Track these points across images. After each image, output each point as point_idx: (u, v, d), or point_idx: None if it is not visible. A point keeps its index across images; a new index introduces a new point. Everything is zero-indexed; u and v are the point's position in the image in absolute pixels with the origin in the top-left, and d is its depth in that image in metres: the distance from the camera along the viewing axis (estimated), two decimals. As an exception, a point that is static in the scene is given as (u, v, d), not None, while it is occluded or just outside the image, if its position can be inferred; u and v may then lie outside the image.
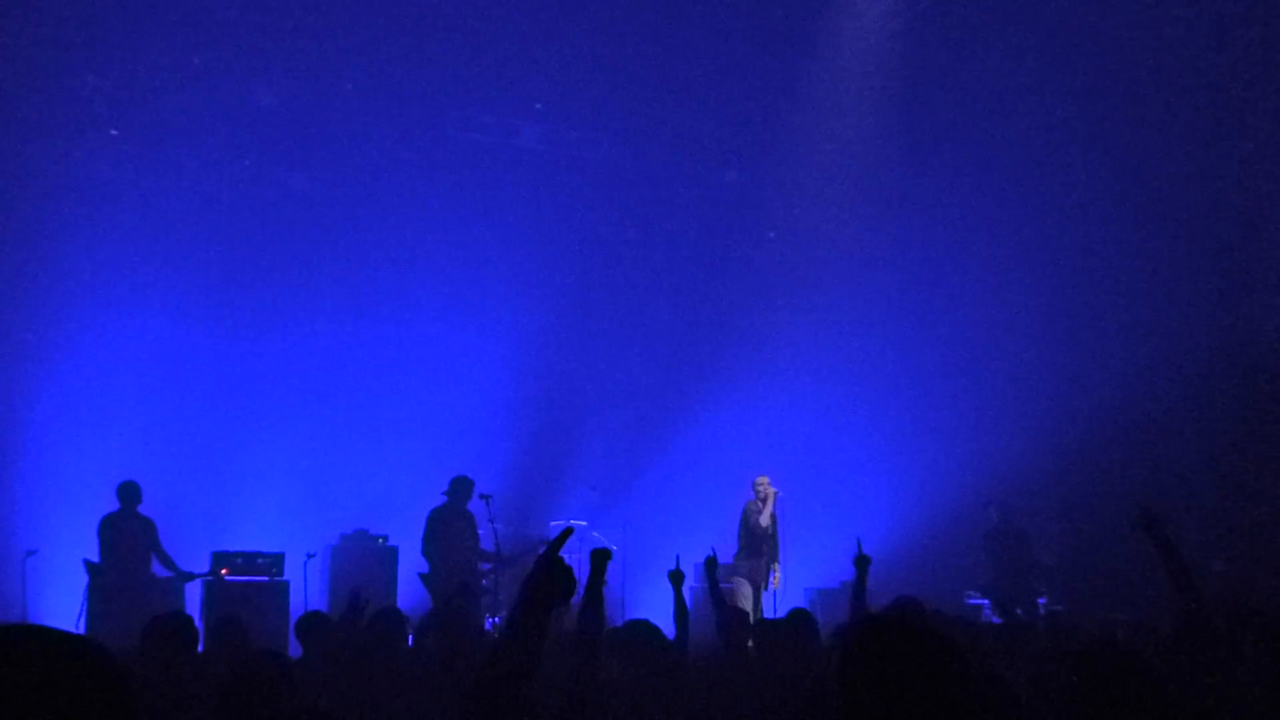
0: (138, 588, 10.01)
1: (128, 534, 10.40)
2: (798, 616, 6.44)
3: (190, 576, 10.50)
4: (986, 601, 12.36)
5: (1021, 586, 11.96)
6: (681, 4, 13.43)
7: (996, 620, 11.57)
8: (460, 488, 11.27)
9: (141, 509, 10.65)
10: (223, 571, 10.43)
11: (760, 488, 11.48)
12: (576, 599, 3.01)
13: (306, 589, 10.89)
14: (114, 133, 12.99)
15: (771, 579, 11.33)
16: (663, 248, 15.61)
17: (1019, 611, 11.52)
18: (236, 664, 4.32)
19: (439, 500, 11.26)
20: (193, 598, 10.51)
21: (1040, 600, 12.11)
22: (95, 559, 10.32)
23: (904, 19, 13.76)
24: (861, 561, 6.50)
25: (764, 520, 11.33)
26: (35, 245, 12.38)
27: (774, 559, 11.38)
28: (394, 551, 11.91)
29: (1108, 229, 13.62)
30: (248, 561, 10.61)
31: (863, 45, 14.14)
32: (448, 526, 11.05)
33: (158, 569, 10.56)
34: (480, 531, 11.32)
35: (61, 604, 10.90)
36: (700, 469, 14.57)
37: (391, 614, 6.24)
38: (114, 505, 10.62)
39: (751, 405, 15.03)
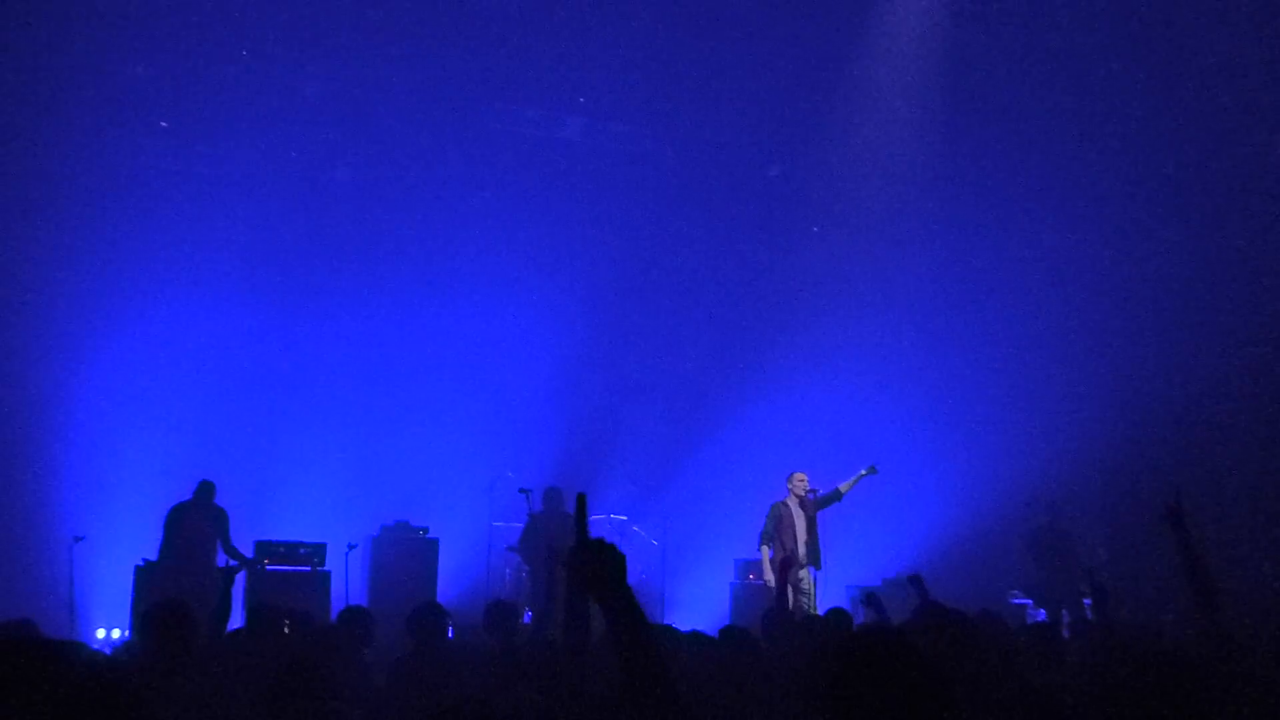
0: (188, 576, 9.94)
1: (190, 523, 10.41)
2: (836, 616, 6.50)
3: (254, 563, 10.46)
4: (1030, 601, 12.22)
5: (1067, 587, 11.78)
6: (724, -1, 13.34)
7: (1041, 619, 11.47)
8: (550, 496, 11.93)
9: (188, 496, 10.69)
10: (264, 561, 10.48)
11: (798, 485, 11.25)
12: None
13: (348, 580, 10.95)
14: (163, 124, 13.12)
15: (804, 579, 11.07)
16: (706, 241, 15.54)
17: (1065, 612, 11.38)
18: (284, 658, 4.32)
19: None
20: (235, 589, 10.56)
21: (1086, 601, 11.93)
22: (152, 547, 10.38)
23: (947, 13, 13.59)
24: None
25: (801, 521, 11.14)
26: (84, 234, 12.54)
27: (813, 559, 11.11)
28: (435, 544, 11.93)
29: (1159, 225, 13.36)
30: (290, 551, 10.65)
31: (906, 39, 13.98)
32: (537, 531, 11.48)
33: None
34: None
35: (108, 589, 11.04)
36: (741, 463, 14.48)
37: (431, 608, 6.24)
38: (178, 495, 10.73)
39: (793, 399, 14.93)
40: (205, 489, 10.67)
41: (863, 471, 11.39)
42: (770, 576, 10.81)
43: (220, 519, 10.57)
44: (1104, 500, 13.51)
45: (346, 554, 11.05)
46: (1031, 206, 14.25)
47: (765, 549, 11.02)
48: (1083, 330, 13.92)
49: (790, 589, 10.78)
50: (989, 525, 13.52)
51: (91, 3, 11.94)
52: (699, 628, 6.00)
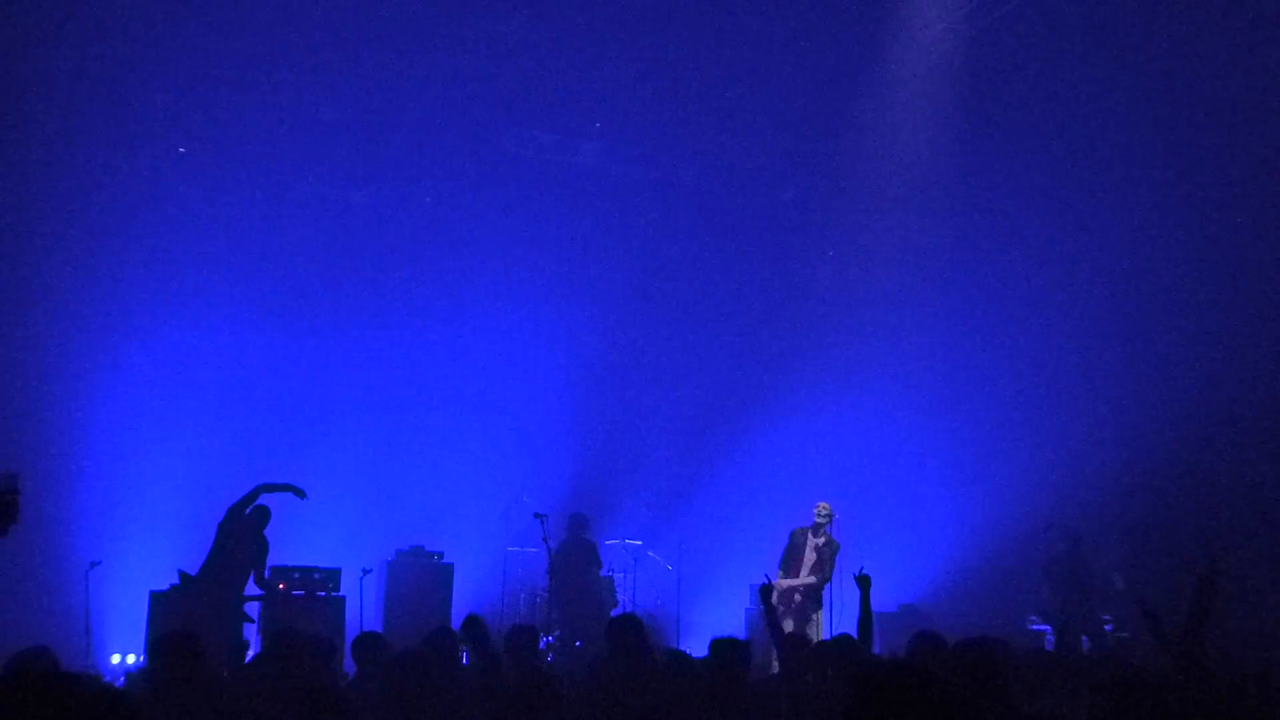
0: (211, 594, 9.79)
1: (242, 539, 10.23)
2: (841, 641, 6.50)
3: (273, 594, 10.41)
4: (1048, 627, 12.10)
5: (1086, 613, 11.68)
6: (739, 26, 13.37)
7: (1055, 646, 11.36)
8: (574, 522, 12.25)
9: (204, 520, 10.62)
10: (279, 586, 10.46)
11: (816, 513, 11.17)
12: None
13: (363, 605, 10.93)
14: (182, 150, 13.21)
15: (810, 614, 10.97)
16: (721, 266, 15.56)
17: (1084, 638, 11.28)
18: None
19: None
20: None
21: (1108, 627, 11.83)
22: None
23: (961, 39, 13.60)
24: (862, 581, 6.98)
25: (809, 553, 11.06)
26: (102, 258, 12.60)
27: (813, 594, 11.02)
28: (449, 568, 11.93)
29: (1180, 247, 13.27)
30: (304, 576, 10.63)
31: (920, 65, 13.99)
32: (568, 557, 11.73)
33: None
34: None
35: (124, 614, 11.04)
36: (756, 488, 14.45)
37: (444, 634, 6.22)
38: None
39: (809, 424, 14.88)
40: (262, 515, 10.57)
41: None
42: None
43: (261, 549, 10.45)
44: (1122, 527, 13.38)
45: (361, 579, 11.03)
46: (1050, 232, 14.20)
47: (781, 573, 11.00)
48: (1103, 357, 13.82)
49: (791, 616, 10.77)
50: (1007, 551, 13.41)
51: (110, 31, 12.05)
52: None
